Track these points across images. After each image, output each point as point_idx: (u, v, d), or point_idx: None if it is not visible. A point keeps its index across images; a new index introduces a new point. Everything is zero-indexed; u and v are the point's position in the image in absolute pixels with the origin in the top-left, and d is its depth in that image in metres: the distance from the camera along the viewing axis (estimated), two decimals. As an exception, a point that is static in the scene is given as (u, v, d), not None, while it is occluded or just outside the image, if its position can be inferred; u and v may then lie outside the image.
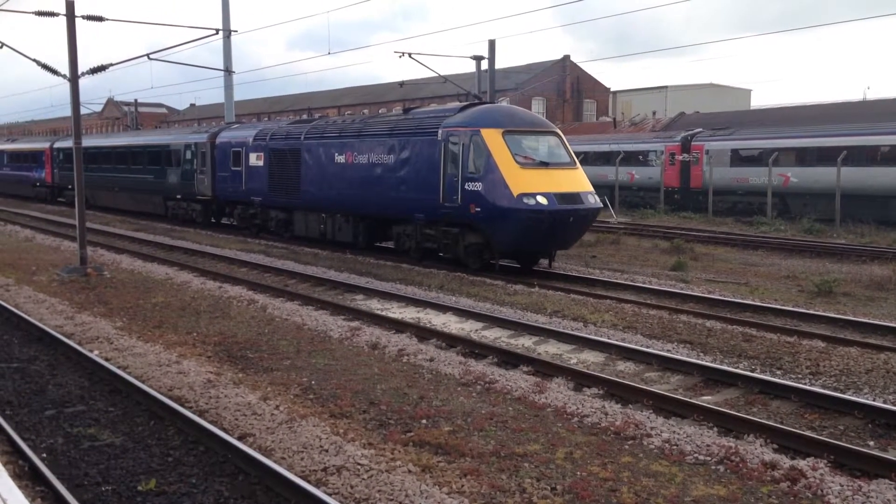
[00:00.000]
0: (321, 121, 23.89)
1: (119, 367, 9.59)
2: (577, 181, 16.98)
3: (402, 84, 41.09)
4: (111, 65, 19.18)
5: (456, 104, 19.78)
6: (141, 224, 30.13)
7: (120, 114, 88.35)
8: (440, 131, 17.59)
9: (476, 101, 19.51)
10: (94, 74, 18.78)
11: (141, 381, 9.02)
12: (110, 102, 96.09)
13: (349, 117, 24.37)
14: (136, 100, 60.94)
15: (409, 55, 29.89)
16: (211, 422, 7.65)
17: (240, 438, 7.25)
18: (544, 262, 18.05)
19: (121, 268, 18.53)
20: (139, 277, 17.11)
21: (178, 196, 29.82)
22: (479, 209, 16.42)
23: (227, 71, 35.98)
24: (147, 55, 21.11)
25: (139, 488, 6.34)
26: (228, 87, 37.31)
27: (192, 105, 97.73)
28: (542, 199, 15.89)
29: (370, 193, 19.57)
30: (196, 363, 9.94)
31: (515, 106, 21.57)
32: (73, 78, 17.53)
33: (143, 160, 32.31)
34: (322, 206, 21.64)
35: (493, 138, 16.55)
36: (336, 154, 20.82)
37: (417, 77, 50.00)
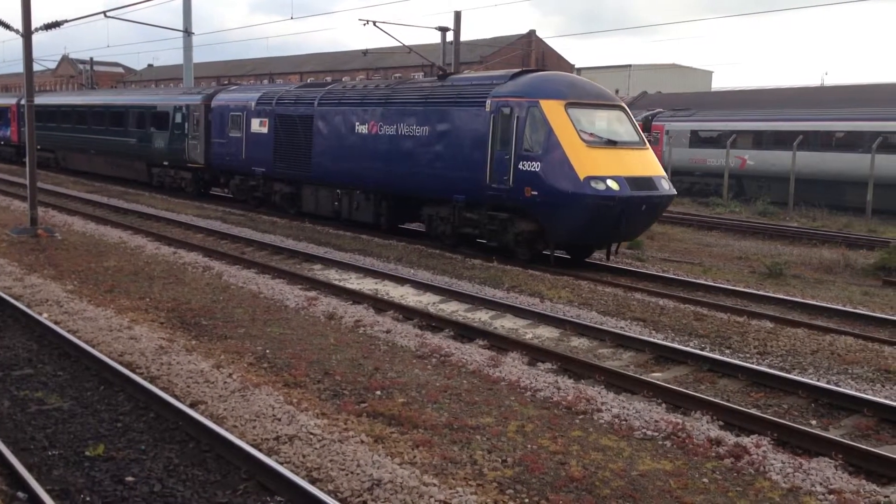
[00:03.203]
0: (338, 85, 21.97)
1: (69, 331, 9.44)
2: (649, 164, 15.24)
3: (365, 53, 40.56)
4: (66, 21, 18.71)
5: (506, 71, 17.65)
6: (95, 186, 29.45)
7: (75, 72, 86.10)
8: (489, 101, 15.65)
9: (529, 69, 17.46)
10: (49, 31, 18.31)
11: (91, 345, 8.89)
12: (65, 60, 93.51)
13: (372, 82, 22.55)
14: (91, 58, 59.40)
15: (374, 23, 29.52)
16: (162, 388, 7.58)
17: (191, 406, 7.20)
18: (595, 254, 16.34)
19: (73, 230, 18.17)
20: (91, 240, 16.80)
21: (165, 163, 27.65)
22: (535, 193, 14.57)
23: (187, 32, 35.26)
24: (104, 13, 20.67)
25: (87, 453, 6.27)
26: (188, 48, 36.64)
27: (150, 66, 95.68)
28: (612, 184, 14.05)
29: (398, 169, 17.71)
30: (148, 329, 9.83)
31: (576, 75, 19.66)
32: (27, 33, 17.04)
33: (125, 121, 29.81)
34: (337, 180, 19.68)
35: (554, 111, 14.68)
36: (357, 123, 18.87)
37: (382, 46, 49.60)
